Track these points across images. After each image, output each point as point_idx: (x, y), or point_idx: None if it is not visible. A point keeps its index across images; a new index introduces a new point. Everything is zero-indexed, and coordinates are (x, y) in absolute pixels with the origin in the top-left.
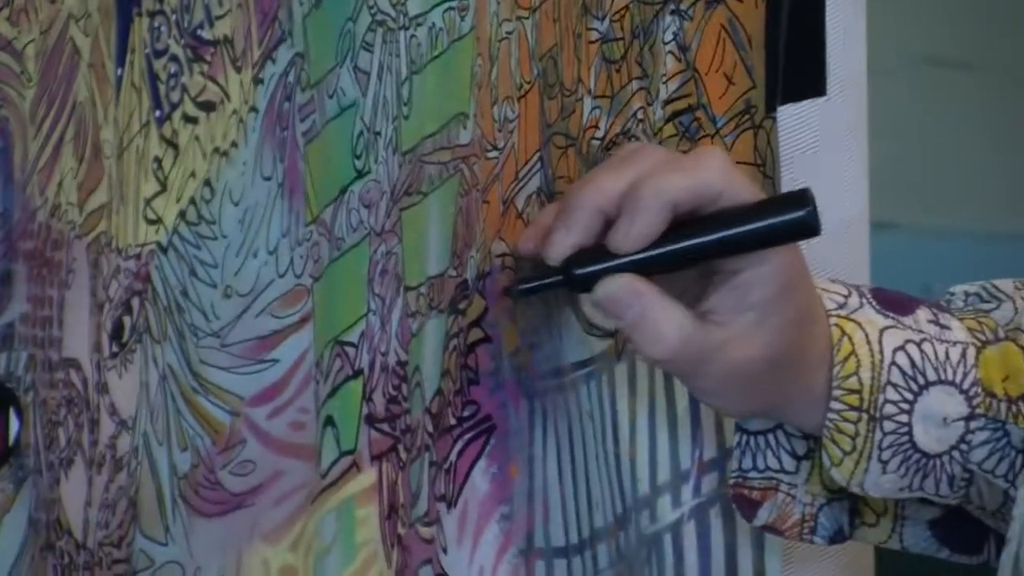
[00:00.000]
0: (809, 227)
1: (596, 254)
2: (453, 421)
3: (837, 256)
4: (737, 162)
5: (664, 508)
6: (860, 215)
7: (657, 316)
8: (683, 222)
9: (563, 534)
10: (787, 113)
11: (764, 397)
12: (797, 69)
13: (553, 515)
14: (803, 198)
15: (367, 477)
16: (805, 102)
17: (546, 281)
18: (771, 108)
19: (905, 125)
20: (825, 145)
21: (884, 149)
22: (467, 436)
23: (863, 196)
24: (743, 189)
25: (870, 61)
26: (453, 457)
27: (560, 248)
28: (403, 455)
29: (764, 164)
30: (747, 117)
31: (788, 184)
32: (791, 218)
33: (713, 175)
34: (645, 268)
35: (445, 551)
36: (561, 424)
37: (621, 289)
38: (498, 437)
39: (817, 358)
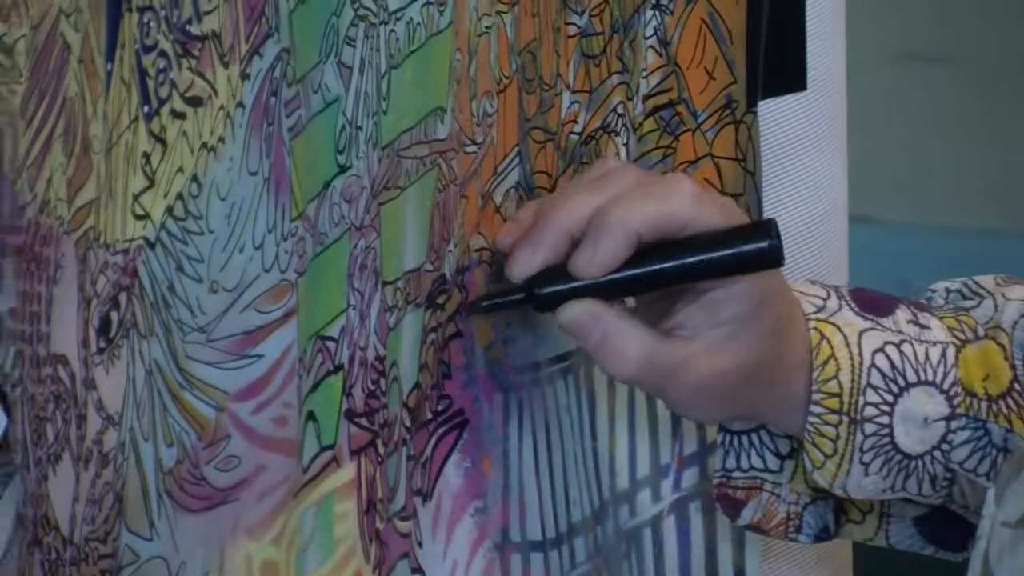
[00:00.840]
0: (771, 258)
1: (560, 274)
2: (429, 415)
3: (815, 250)
4: (719, 157)
5: (644, 502)
6: (839, 209)
7: (619, 338)
8: (650, 247)
9: (540, 528)
10: (768, 108)
11: (740, 406)
12: (778, 64)
13: (529, 509)
14: (767, 229)
15: (346, 472)
16: (786, 97)
17: (509, 299)
18: (752, 103)
19: (884, 120)
20: (805, 140)
21: (863, 144)
22: (441, 430)
23: (842, 190)
24: (710, 217)
25: (849, 56)
26: (429, 451)
27: (525, 266)
28: (381, 450)
29: (745, 159)
30: (728, 112)
31: (768, 179)
32: (753, 248)
33: (680, 204)
34: (607, 291)
35: (421, 545)
36: (538, 419)
37: (582, 314)
38: (471, 432)
39: (796, 363)
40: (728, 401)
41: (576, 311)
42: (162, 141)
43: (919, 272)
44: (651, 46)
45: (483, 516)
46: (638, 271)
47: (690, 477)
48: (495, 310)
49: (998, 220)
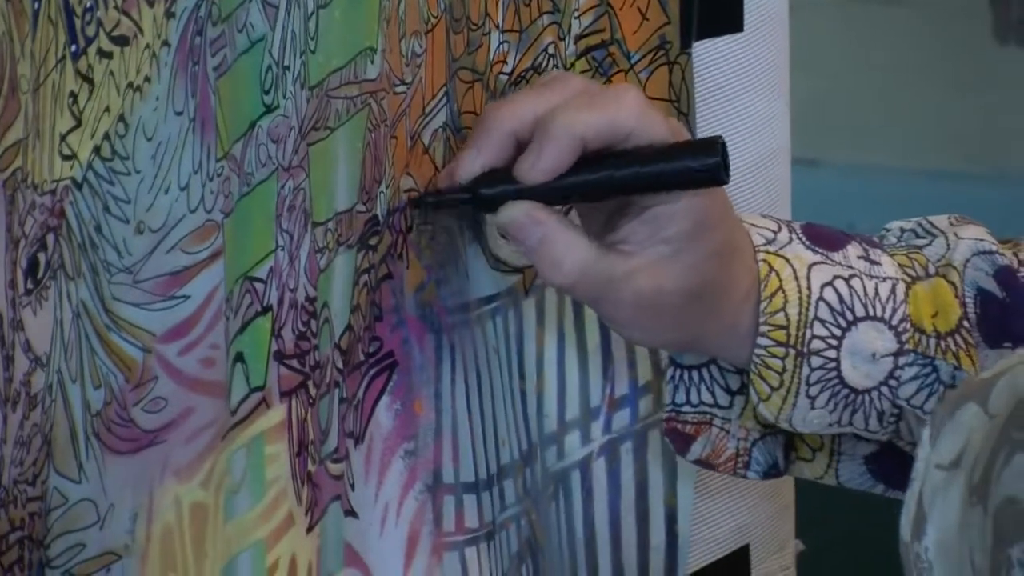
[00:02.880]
0: (714, 175)
1: (506, 178)
2: (362, 357)
3: (758, 193)
4: (652, 98)
5: (573, 444)
6: (782, 151)
7: (558, 243)
8: (594, 156)
9: (472, 470)
10: (704, 48)
11: (681, 329)
12: (713, 5)
13: (463, 451)
14: (713, 146)
15: (276, 414)
16: (723, 37)
17: (452, 196)
18: (686, 44)
19: (830, 61)
20: (743, 81)
21: (808, 85)
22: (372, 372)
23: (784, 133)
24: (656, 130)
25: None
26: (361, 393)
27: (469, 167)
28: (312, 391)
29: (679, 100)
30: (662, 53)
31: (702, 121)
32: (697, 165)
33: (626, 113)
34: (549, 196)
35: (353, 487)
36: (469, 360)
37: (523, 215)
38: (400, 373)
39: (742, 294)
40: (668, 323)
41: (515, 212)
42: (89, 81)
43: (866, 215)
44: None
45: (413, 458)
46: (580, 178)
47: (621, 419)
48: (440, 207)
49: (945, 162)
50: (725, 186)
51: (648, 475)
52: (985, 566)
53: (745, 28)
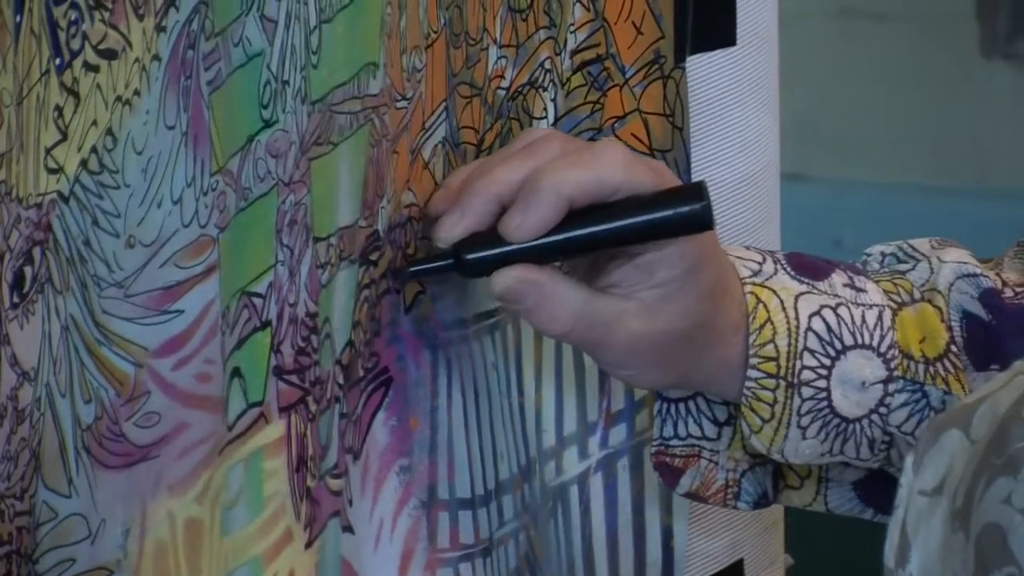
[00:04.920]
0: (702, 221)
1: (488, 239)
2: (362, 373)
3: (749, 208)
4: (646, 113)
5: (570, 460)
6: (771, 166)
7: (553, 297)
8: (580, 212)
9: (469, 486)
10: (697, 63)
11: (675, 369)
12: (706, 18)
13: (458, 467)
14: (698, 192)
15: (275, 429)
16: (715, 52)
17: (435, 264)
18: (680, 58)
19: (818, 76)
20: (735, 95)
21: (796, 100)
22: (370, 388)
23: (774, 147)
24: (641, 182)
25: (783, 10)
26: (359, 409)
27: (452, 231)
28: (312, 407)
29: (673, 114)
30: (656, 67)
31: (695, 135)
32: (684, 212)
33: (613, 169)
34: (537, 256)
35: (351, 503)
36: (466, 376)
37: (515, 281)
38: (396, 389)
39: (731, 328)
40: (662, 364)
41: (509, 279)
42: (75, 94)
43: (854, 230)
44: (578, 1)
45: (408, 474)
46: (569, 235)
47: (618, 434)
48: (421, 276)
49: (932, 176)
50: (718, 204)
51: (644, 491)
52: None
53: (737, 42)
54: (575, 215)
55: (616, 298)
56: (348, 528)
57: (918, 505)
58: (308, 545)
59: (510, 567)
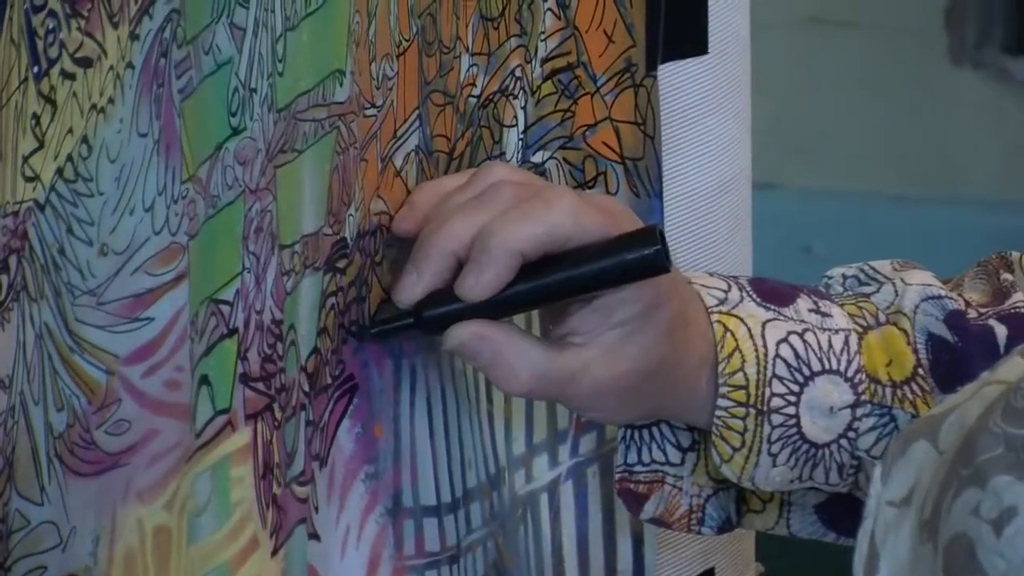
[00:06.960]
0: (656, 266)
1: (447, 296)
2: (329, 380)
3: (721, 217)
4: (618, 121)
5: (540, 467)
6: (743, 175)
7: (509, 354)
8: (535, 264)
9: (434, 493)
10: (668, 71)
11: (644, 405)
12: (678, 27)
13: (423, 474)
14: (651, 236)
15: (242, 436)
16: (687, 60)
17: (397, 324)
18: (651, 66)
19: (788, 84)
20: (707, 104)
21: (767, 108)
22: (336, 395)
23: (746, 156)
24: (593, 228)
25: (753, 19)
26: (326, 416)
27: (411, 293)
28: (278, 414)
29: (644, 123)
30: (627, 75)
31: (667, 144)
32: (637, 256)
33: (562, 219)
34: (494, 311)
35: (317, 510)
36: (432, 384)
37: (469, 335)
38: (361, 397)
39: (697, 360)
40: (631, 403)
41: (462, 335)
42: (52, 102)
43: (824, 238)
44: (549, 8)
45: (374, 482)
46: (523, 287)
47: (588, 442)
48: (383, 337)
49: (900, 184)
50: (688, 212)
51: (614, 499)
52: None
53: (709, 51)
54: (530, 267)
55: (576, 348)
56: (314, 535)
57: (886, 516)
58: (274, 552)
59: (478, 574)
